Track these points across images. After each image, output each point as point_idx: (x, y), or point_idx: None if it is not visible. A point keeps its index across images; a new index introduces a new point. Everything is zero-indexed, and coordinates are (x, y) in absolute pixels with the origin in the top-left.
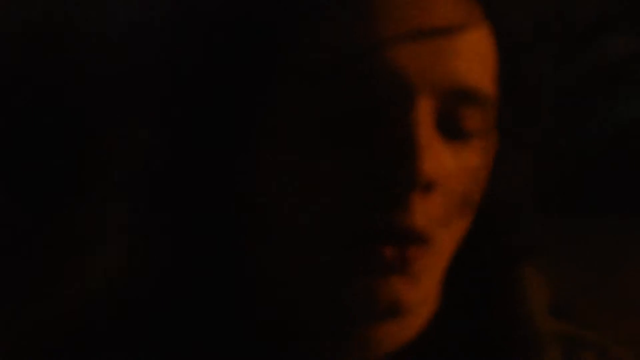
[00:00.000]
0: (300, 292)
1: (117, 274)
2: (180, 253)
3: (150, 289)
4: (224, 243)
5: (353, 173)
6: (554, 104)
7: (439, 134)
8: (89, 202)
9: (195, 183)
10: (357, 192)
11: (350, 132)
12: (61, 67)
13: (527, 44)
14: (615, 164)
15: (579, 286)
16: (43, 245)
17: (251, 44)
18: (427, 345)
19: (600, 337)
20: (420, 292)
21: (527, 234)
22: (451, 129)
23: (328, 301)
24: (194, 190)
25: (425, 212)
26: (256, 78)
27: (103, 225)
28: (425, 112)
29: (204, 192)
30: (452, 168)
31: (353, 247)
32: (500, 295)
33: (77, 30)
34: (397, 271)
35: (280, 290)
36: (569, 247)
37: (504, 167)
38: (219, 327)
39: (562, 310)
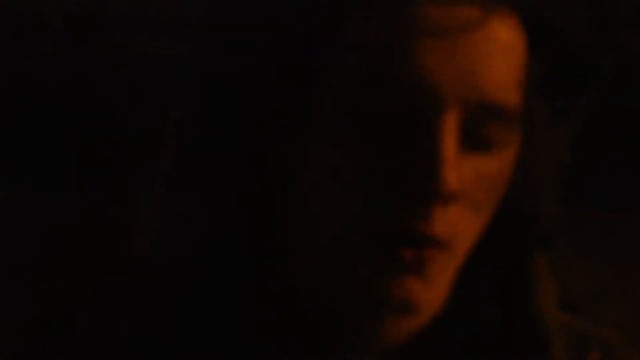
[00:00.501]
0: (320, 285)
1: (142, 256)
2: (209, 241)
3: (176, 274)
4: (254, 231)
5: (381, 176)
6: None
7: (463, 145)
8: (123, 187)
9: (232, 170)
10: (384, 195)
11: (381, 136)
12: (102, 56)
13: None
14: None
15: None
16: (78, 227)
17: (298, 42)
18: (435, 339)
19: (608, 333)
20: (434, 292)
21: (545, 226)
22: (474, 140)
23: (345, 296)
24: (229, 177)
25: (445, 220)
26: (301, 74)
27: (136, 210)
28: (452, 124)
29: (239, 180)
30: (473, 178)
31: (374, 247)
32: (511, 289)
33: (120, 20)
34: (413, 272)
35: (301, 281)
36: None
37: (532, 162)
38: (239, 315)
39: (572, 303)
